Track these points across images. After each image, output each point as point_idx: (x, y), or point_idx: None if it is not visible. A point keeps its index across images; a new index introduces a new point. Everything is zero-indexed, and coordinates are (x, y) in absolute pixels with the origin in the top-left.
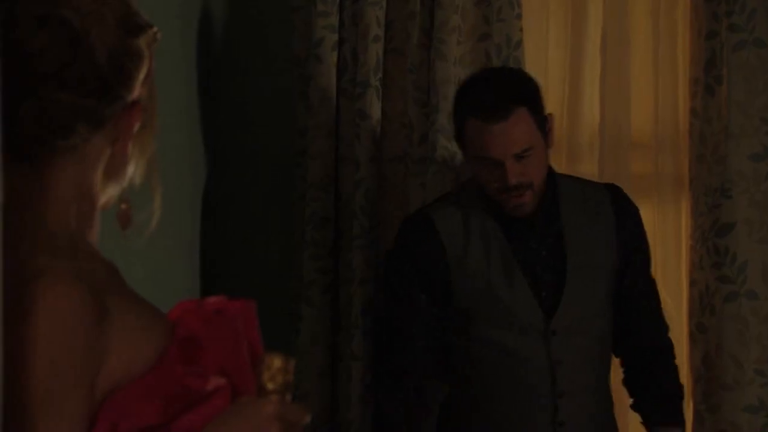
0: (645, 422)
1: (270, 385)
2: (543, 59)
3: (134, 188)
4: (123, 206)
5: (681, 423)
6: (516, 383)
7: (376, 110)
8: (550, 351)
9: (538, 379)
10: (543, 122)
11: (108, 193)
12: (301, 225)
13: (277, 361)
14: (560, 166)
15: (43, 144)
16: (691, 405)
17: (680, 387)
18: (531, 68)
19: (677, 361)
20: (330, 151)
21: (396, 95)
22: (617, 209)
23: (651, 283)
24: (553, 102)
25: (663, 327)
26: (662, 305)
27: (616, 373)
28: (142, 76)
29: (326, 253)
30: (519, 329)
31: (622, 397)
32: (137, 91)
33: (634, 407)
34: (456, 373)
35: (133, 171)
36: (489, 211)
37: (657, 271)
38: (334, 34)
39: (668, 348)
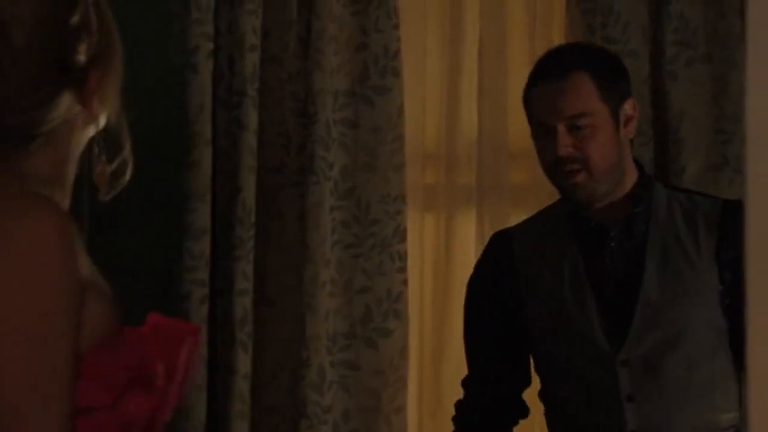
0: None
1: None
2: (421, 70)
3: None
4: (100, 166)
5: None
6: (582, 417)
7: (253, 120)
8: (619, 385)
9: (604, 416)
10: (614, 99)
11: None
12: (177, 236)
13: None
14: (438, 177)
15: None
16: None
17: None
18: (409, 79)
19: None
20: (207, 161)
21: (273, 105)
22: (724, 226)
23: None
24: (430, 113)
25: None
26: None
27: None
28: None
29: (203, 264)
30: (587, 358)
31: None
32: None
33: None
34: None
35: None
36: (571, 224)
37: None
38: (210, 42)
39: None
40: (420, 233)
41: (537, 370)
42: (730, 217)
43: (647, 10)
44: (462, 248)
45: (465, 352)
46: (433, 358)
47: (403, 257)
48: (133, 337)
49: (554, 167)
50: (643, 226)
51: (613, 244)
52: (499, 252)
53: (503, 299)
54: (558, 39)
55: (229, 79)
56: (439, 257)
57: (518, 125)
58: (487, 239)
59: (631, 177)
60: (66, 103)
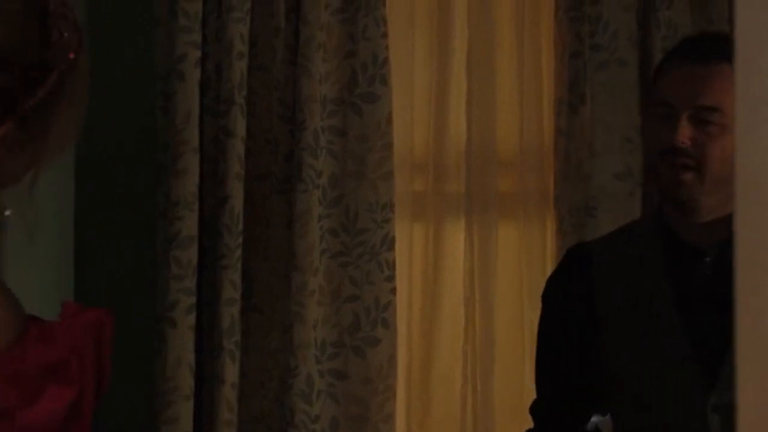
0: None
1: None
2: (409, 78)
3: None
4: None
5: None
6: None
7: (240, 127)
8: None
9: None
10: None
11: None
12: (163, 244)
13: None
14: (427, 185)
15: None
16: None
17: None
18: (397, 87)
19: None
20: (194, 169)
21: (261, 112)
22: None
23: None
24: (419, 121)
25: None
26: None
27: None
28: None
29: (190, 272)
30: (673, 399)
31: None
32: None
33: None
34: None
35: None
36: (661, 243)
37: (522, 290)
38: (197, 50)
39: None
40: (408, 242)
41: (609, 405)
42: None
43: (636, 18)
44: (451, 257)
45: (536, 375)
46: (422, 366)
47: (391, 266)
48: (41, 332)
49: (663, 157)
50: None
51: (708, 271)
52: (577, 267)
53: (580, 319)
54: (547, 47)
55: (216, 87)
56: (428, 266)
57: (507, 133)
58: (475, 247)
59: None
60: None
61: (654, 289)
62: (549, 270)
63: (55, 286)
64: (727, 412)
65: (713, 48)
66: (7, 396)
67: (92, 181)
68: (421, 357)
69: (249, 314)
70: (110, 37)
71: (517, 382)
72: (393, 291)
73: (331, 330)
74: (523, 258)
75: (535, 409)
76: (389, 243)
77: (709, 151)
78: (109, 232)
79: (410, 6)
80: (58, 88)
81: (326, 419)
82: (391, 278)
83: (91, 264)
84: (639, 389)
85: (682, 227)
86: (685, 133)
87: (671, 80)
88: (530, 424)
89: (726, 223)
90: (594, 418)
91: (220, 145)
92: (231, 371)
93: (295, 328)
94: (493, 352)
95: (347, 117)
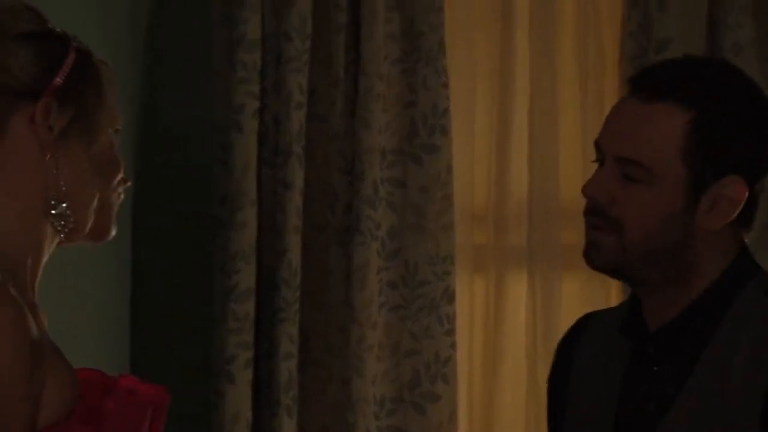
0: None
1: None
2: (470, 127)
3: None
4: None
5: None
6: None
7: (298, 179)
8: None
9: None
10: (710, 166)
11: None
12: (221, 297)
13: None
14: (488, 237)
15: None
16: None
17: None
18: (458, 137)
19: None
20: (252, 222)
21: (319, 163)
22: None
23: None
24: (480, 171)
25: None
26: None
27: None
28: None
29: (248, 326)
30: None
31: None
32: None
33: None
34: None
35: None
36: (629, 325)
37: None
38: (256, 101)
39: None
40: (469, 295)
41: None
42: None
43: None
44: (512, 310)
45: None
46: (484, 424)
47: (451, 320)
48: (89, 413)
49: (585, 212)
50: (693, 344)
51: (656, 355)
52: (569, 339)
53: (555, 396)
54: (610, 96)
55: (275, 138)
56: (489, 320)
57: (569, 184)
58: (538, 300)
59: (707, 279)
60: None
61: (610, 377)
62: None
63: (112, 338)
64: None
65: (662, 81)
66: None
67: (150, 233)
68: (483, 413)
69: (307, 369)
70: (170, 90)
71: None
72: (453, 345)
73: (390, 385)
74: (586, 311)
75: None
76: (449, 296)
77: (630, 209)
78: (166, 285)
79: (471, 56)
80: (78, 74)
81: None
82: (451, 332)
83: (149, 317)
84: None
85: (650, 314)
86: (599, 182)
87: (609, 114)
88: None
89: (681, 307)
90: None
91: (278, 198)
92: (288, 427)
93: (354, 382)
94: None
95: (407, 168)
